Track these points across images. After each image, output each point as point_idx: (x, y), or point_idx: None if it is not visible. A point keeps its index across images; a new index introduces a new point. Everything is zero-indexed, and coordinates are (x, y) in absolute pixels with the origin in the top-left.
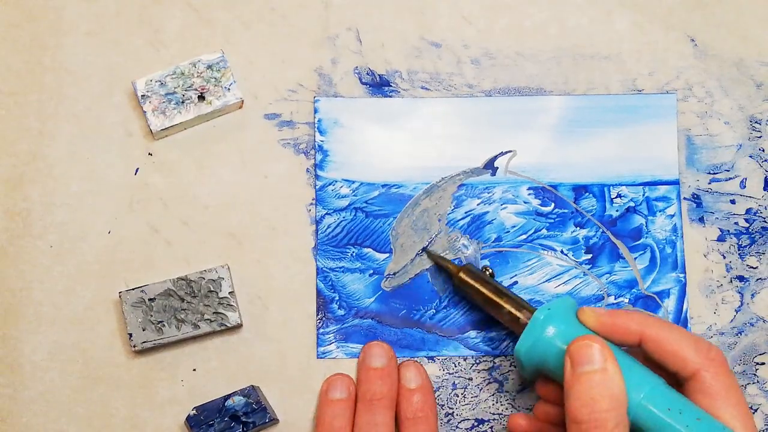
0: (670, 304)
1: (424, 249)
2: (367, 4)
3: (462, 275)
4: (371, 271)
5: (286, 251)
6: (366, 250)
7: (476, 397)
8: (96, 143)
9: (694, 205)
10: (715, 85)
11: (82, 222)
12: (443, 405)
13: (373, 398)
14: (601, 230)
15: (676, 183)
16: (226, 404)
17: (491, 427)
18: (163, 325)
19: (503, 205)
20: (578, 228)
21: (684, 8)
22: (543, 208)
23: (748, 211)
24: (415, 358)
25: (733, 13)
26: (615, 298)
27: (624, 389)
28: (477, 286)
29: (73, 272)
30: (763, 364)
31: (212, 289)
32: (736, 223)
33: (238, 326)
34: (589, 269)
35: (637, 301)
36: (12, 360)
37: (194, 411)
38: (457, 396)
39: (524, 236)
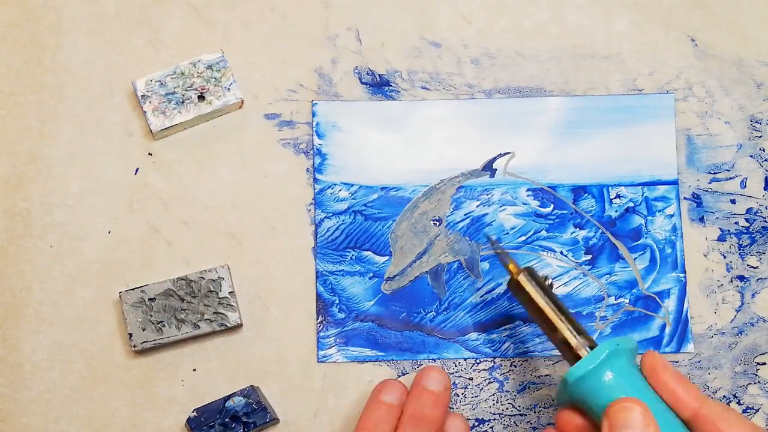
0: (670, 304)
1: (488, 239)
2: (367, 4)
3: (522, 278)
4: (371, 274)
5: (286, 251)
6: (365, 253)
7: (476, 396)
8: (96, 143)
9: (695, 204)
10: (716, 85)
11: (82, 222)
12: None
13: (422, 419)
14: (600, 231)
15: (675, 183)
16: (226, 405)
17: (491, 427)
18: (163, 325)
19: (502, 207)
20: (578, 229)
21: (684, 8)
22: (542, 210)
23: (748, 210)
24: (416, 360)
25: (733, 13)
26: (615, 299)
27: None
28: (535, 296)
29: (73, 272)
30: (763, 364)
31: (212, 289)
32: (736, 223)
33: (238, 326)
34: (589, 270)
35: (638, 301)
36: (12, 360)
37: (194, 413)
38: (458, 396)
39: (524, 238)
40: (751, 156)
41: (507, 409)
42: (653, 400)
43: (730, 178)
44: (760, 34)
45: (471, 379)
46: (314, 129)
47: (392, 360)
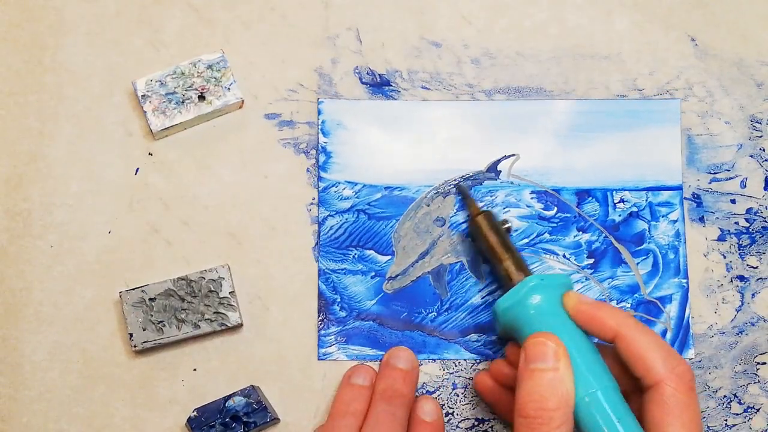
0: (672, 309)
1: (457, 183)
2: (367, 4)
3: (479, 219)
4: (373, 274)
5: (286, 251)
6: (368, 252)
7: (476, 396)
8: (96, 143)
9: (695, 204)
10: (716, 85)
11: (82, 222)
12: (444, 404)
13: (394, 394)
14: (603, 235)
15: (679, 188)
16: (226, 405)
17: (491, 427)
18: (164, 325)
19: (506, 209)
20: (581, 232)
21: (684, 8)
22: (546, 212)
23: (748, 210)
24: (417, 361)
25: (733, 13)
26: (617, 303)
27: (572, 391)
28: (488, 234)
29: (73, 272)
30: (764, 363)
31: (212, 289)
32: (736, 223)
33: (239, 326)
34: (591, 274)
35: (639, 306)
36: (12, 360)
37: (195, 413)
38: (458, 395)
39: (527, 240)
40: (751, 156)
41: None
42: (572, 332)
43: (730, 178)
44: (760, 34)
45: (471, 378)
46: (319, 127)
47: None
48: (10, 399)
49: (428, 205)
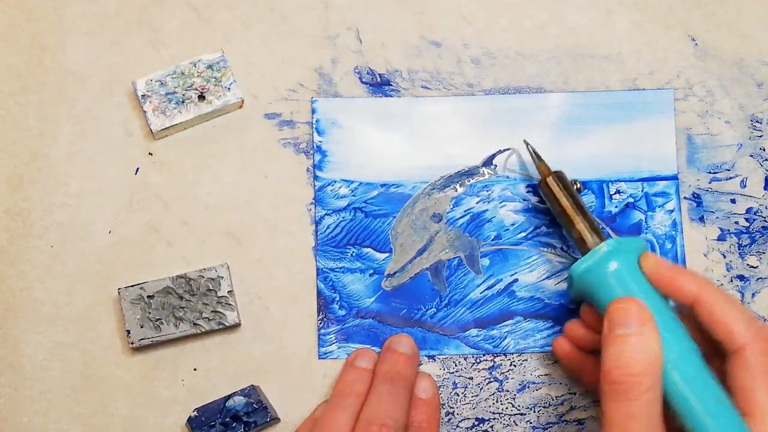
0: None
1: (525, 141)
2: (367, 4)
3: (550, 180)
4: (371, 271)
5: (286, 251)
6: (366, 249)
7: (476, 396)
8: (96, 143)
9: (695, 204)
10: (716, 85)
11: (82, 222)
12: (444, 404)
13: (396, 376)
14: (600, 226)
15: (674, 178)
16: (226, 405)
17: (491, 426)
18: (162, 323)
19: (502, 203)
20: None
21: (684, 8)
22: (542, 206)
23: (748, 210)
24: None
25: (733, 13)
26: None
27: (660, 355)
28: (559, 196)
29: (73, 272)
30: None
31: (211, 287)
32: (736, 223)
33: (237, 325)
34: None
35: None
36: (12, 360)
37: (195, 412)
38: (458, 395)
39: (524, 234)
40: (751, 156)
41: (507, 408)
42: (652, 295)
43: (730, 178)
44: (760, 33)
45: (471, 378)
46: (314, 126)
47: None
48: (10, 399)
49: (425, 201)
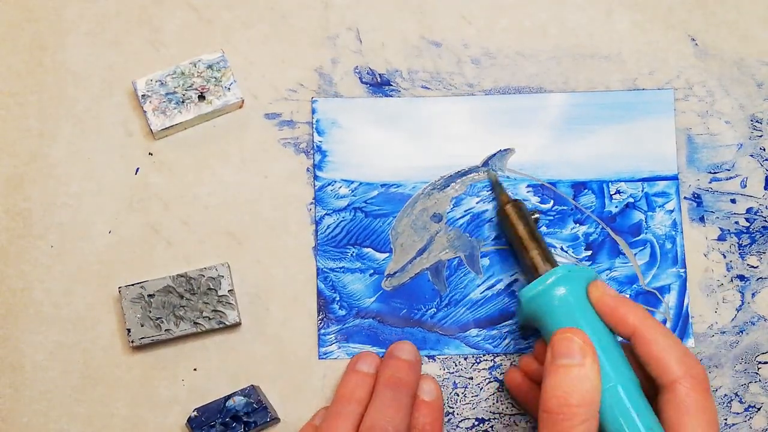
0: (670, 299)
1: (488, 171)
2: (367, 4)
3: (508, 208)
4: (371, 271)
5: (286, 251)
6: (366, 249)
7: (476, 396)
8: (96, 143)
9: (695, 204)
10: (716, 85)
11: (82, 222)
12: (444, 404)
13: (398, 382)
14: (600, 226)
15: (674, 178)
16: (226, 404)
17: (491, 426)
18: (162, 322)
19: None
20: (578, 225)
21: (684, 8)
22: (542, 206)
23: (748, 210)
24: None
25: (733, 13)
26: None
27: (599, 387)
28: (516, 223)
29: (73, 272)
30: (765, 362)
31: (212, 286)
32: (736, 223)
33: (237, 325)
34: (589, 266)
35: (638, 296)
36: (13, 360)
37: (195, 412)
38: (458, 395)
39: None
40: (751, 155)
41: (507, 408)
42: (595, 324)
43: (731, 178)
44: (760, 34)
45: (471, 378)
46: (314, 126)
47: None
48: (11, 399)
49: (425, 201)
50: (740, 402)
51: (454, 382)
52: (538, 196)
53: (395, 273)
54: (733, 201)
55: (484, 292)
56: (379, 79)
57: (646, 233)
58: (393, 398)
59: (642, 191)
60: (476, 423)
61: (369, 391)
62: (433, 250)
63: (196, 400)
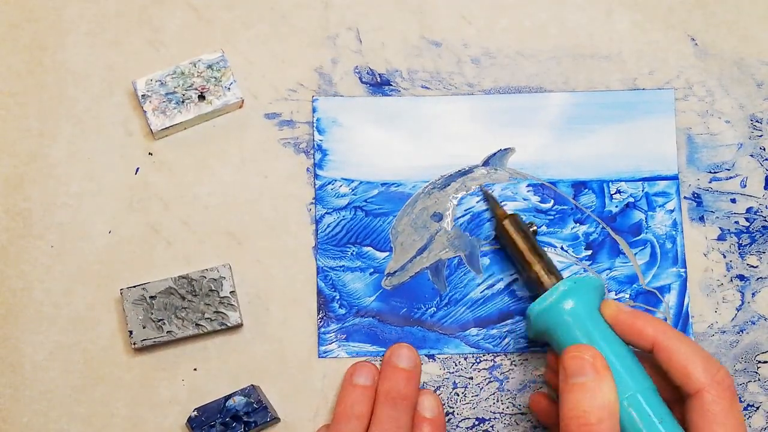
0: (671, 299)
1: (481, 187)
2: (367, 3)
3: (506, 223)
4: (371, 270)
5: (286, 251)
6: (366, 248)
7: (476, 396)
8: (96, 143)
9: (695, 204)
10: (716, 84)
11: (82, 222)
12: (444, 404)
13: (398, 397)
14: (600, 226)
15: (675, 178)
16: (226, 404)
17: (492, 426)
18: (164, 323)
19: (503, 203)
20: (578, 224)
21: (684, 8)
22: (542, 205)
23: (748, 210)
24: (420, 358)
25: (733, 13)
26: (616, 294)
27: (616, 401)
28: (516, 238)
29: (73, 272)
30: (764, 362)
31: (213, 288)
32: (736, 222)
33: (239, 326)
34: (589, 265)
35: (638, 296)
36: (13, 360)
37: (195, 412)
38: (458, 395)
39: None
40: (751, 155)
41: (507, 408)
42: (608, 335)
43: (731, 178)
44: (760, 33)
45: (471, 378)
46: (314, 125)
47: None
48: (11, 399)
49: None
50: (740, 401)
51: (454, 381)
52: (539, 196)
53: (395, 272)
54: (733, 201)
55: (483, 291)
56: (379, 79)
57: (646, 233)
58: (391, 417)
59: (642, 191)
60: (476, 423)
61: (369, 405)
62: (433, 249)
63: (196, 400)
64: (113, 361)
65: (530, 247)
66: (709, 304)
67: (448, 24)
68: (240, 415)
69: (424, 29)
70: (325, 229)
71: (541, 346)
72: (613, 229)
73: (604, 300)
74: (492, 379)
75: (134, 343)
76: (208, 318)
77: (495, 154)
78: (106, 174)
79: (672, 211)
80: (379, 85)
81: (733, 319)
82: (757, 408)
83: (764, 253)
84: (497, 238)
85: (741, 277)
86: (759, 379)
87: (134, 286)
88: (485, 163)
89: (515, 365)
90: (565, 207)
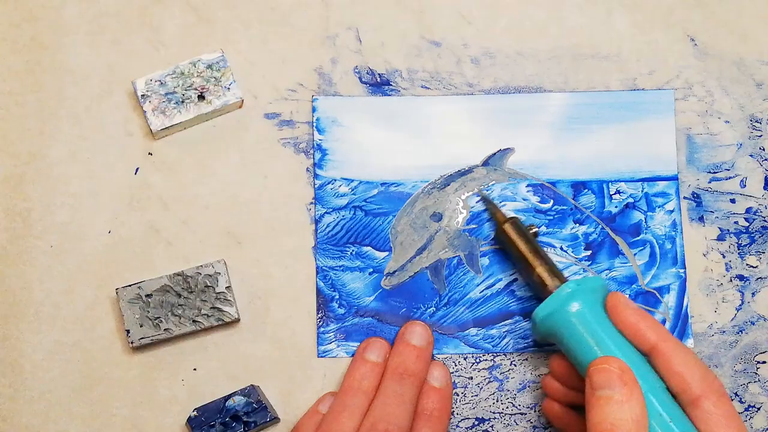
0: (670, 299)
1: (480, 192)
2: (367, 3)
3: (506, 227)
4: (371, 270)
5: (286, 251)
6: (365, 248)
7: (476, 396)
8: (96, 143)
9: (694, 204)
10: (715, 85)
11: (82, 222)
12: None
13: (405, 372)
14: (600, 226)
15: (674, 179)
16: (226, 404)
17: (491, 426)
18: (161, 321)
19: (502, 203)
20: (577, 224)
21: (684, 8)
22: (542, 205)
23: (748, 210)
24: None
25: (733, 13)
26: None
27: (644, 412)
28: (517, 241)
29: (73, 272)
30: (764, 362)
31: (209, 284)
32: (736, 223)
33: (236, 321)
34: (588, 266)
35: (638, 296)
36: (12, 360)
37: (195, 412)
38: (458, 395)
39: None
40: (751, 155)
41: (507, 408)
42: (616, 336)
43: (730, 178)
44: (760, 33)
45: (471, 378)
46: (314, 124)
47: None
48: (10, 399)
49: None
50: (740, 402)
51: (454, 382)
52: (538, 196)
53: (395, 272)
54: (732, 201)
55: (483, 291)
56: (378, 79)
57: (645, 233)
58: (397, 393)
59: (642, 191)
60: (476, 423)
61: (376, 382)
62: (433, 249)
63: (196, 400)
64: (113, 361)
65: (532, 249)
66: (708, 305)
67: (448, 24)
68: (240, 415)
69: (423, 29)
70: (325, 229)
71: (541, 347)
72: (613, 230)
73: (610, 293)
74: (492, 379)
75: (132, 342)
76: (204, 314)
77: (495, 154)
78: (106, 174)
79: (671, 211)
80: (379, 85)
81: (732, 319)
82: (758, 409)
83: (764, 253)
84: (497, 240)
85: (740, 278)
86: (759, 380)
87: (129, 285)
88: (485, 163)
89: (515, 365)
90: (565, 207)
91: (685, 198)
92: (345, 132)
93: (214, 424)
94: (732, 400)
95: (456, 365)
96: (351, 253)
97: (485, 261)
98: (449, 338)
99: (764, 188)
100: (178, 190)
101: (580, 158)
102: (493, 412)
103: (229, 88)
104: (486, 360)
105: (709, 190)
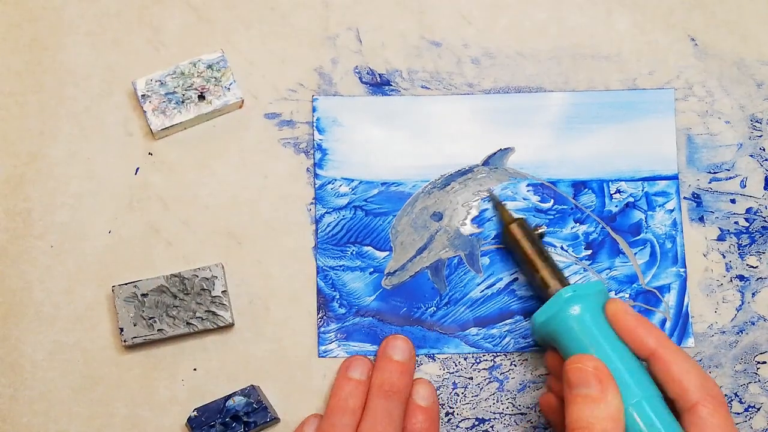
0: (670, 298)
1: (486, 163)
2: (367, 3)
3: (513, 227)
4: (371, 270)
5: (286, 251)
6: (366, 248)
7: (476, 396)
8: (96, 143)
9: (695, 204)
10: (716, 85)
11: (82, 222)
12: (443, 404)
13: (390, 389)
14: (600, 226)
15: (675, 178)
16: (226, 405)
17: (492, 426)
18: (155, 321)
19: (503, 202)
20: (578, 224)
21: (684, 8)
22: (542, 205)
23: (748, 210)
24: (417, 356)
25: (733, 13)
26: (616, 293)
27: (620, 410)
28: (522, 242)
29: (73, 272)
30: (764, 362)
31: (205, 287)
32: (736, 223)
33: (230, 325)
34: (589, 265)
35: (638, 296)
36: (12, 360)
37: (195, 412)
38: (458, 395)
39: None
40: (751, 155)
41: (507, 408)
42: (614, 341)
43: (730, 178)
44: (760, 34)
45: (471, 378)
46: (314, 124)
47: None
48: (10, 399)
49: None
50: (740, 402)
51: (454, 382)
52: (538, 195)
53: (395, 271)
54: (732, 201)
55: (483, 290)
56: (379, 79)
57: (646, 233)
58: (385, 409)
59: (642, 191)
60: (476, 423)
61: (362, 399)
62: (433, 248)
63: (196, 400)
64: (113, 361)
65: (537, 251)
66: (708, 305)
67: (448, 24)
68: (240, 415)
69: (423, 29)
70: (325, 229)
71: (542, 347)
72: (613, 229)
73: (610, 298)
74: (492, 379)
75: (125, 341)
76: (199, 317)
77: (495, 153)
78: (106, 174)
79: (672, 210)
80: (379, 85)
81: (732, 319)
82: (758, 409)
83: (764, 253)
84: (502, 240)
85: (741, 278)
86: (759, 380)
87: (126, 284)
88: (485, 162)
89: (515, 365)
90: (565, 207)
91: (685, 198)
92: (345, 132)
93: (214, 424)
94: (732, 400)
95: (456, 365)
96: (351, 252)
97: (486, 260)
98: (450, 338)
99: (764, 188)
100: (178, 190)
101: (581, 158)
102: (493, 413)
103: (229, 88)
104: (486, 360)
105: (710, 190)
